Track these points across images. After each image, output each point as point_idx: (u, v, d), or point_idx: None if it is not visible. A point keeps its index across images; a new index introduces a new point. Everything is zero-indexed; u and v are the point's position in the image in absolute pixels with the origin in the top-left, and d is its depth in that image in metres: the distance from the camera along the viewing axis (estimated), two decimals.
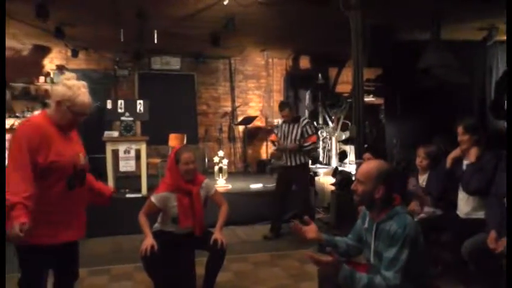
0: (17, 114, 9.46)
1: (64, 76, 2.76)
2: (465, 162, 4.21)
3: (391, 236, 2.47)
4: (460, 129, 4.18)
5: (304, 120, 6.24)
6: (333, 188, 6.97)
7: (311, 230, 2.85)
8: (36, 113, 2.81)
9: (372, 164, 2.66)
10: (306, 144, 6.02)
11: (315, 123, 9.43)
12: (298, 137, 6.04)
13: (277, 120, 11.23)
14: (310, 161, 6.58)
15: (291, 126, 6.11)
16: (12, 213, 2.42)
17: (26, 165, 2.52)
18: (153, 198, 3.82)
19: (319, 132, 9.58)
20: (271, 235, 6.25)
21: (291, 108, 6.32)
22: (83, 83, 2.76)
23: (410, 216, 2.56)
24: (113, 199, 3.25)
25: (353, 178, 6.75)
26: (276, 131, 6.41)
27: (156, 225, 3.93)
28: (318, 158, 9.67)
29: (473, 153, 4.13)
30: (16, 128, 2.56)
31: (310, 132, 6.11)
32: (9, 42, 9.23)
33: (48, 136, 2.63)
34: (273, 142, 6.83)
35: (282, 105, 6.31)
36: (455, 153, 4.31)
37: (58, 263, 2.89)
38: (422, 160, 4.63)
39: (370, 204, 2.65)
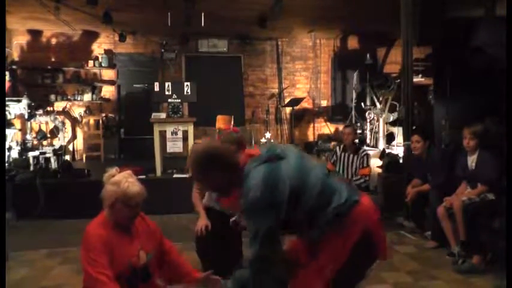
0: (69, 97, 9.80)
1: (107, 174, 2.67)
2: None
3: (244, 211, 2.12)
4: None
5: (363, 152, 5.92)
6: (379, 170, 6.86)
7: None
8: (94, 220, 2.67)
9: (189, 161, 2.32)
10: (355, 178, 5.67)
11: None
12: (358, 170, 5.74)
13: (325, 102, 11.18)
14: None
15: (350, 157, 5.81)
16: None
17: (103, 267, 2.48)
18: None
19: (366, 114, 9.42)
20: None
21: (355, 130, 6.32)
22: (128, 172, 2.70)
23: (260, 168, 2.06)
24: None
25: (400, 161, 6.64)
26: (332, 160, 6.04)
27: (204, 201, 3.97)
28: (365, 139, 9.52)
29: None
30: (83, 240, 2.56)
31: (365, 163, 5.76)
32: (61, 29, 9.50)
33: (108, 243, 2.56)
34: (328, 171, 6.55)
35: (346, 126, 6.23)
36: None
37: None
38: (469, 141, 4.52)
39: (224, 192, 2.36)
